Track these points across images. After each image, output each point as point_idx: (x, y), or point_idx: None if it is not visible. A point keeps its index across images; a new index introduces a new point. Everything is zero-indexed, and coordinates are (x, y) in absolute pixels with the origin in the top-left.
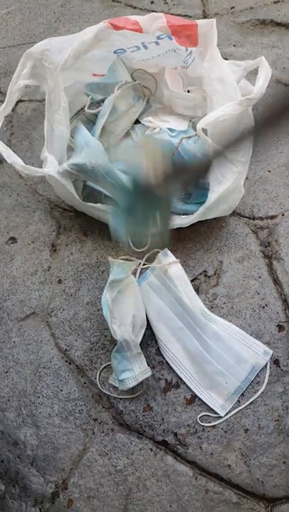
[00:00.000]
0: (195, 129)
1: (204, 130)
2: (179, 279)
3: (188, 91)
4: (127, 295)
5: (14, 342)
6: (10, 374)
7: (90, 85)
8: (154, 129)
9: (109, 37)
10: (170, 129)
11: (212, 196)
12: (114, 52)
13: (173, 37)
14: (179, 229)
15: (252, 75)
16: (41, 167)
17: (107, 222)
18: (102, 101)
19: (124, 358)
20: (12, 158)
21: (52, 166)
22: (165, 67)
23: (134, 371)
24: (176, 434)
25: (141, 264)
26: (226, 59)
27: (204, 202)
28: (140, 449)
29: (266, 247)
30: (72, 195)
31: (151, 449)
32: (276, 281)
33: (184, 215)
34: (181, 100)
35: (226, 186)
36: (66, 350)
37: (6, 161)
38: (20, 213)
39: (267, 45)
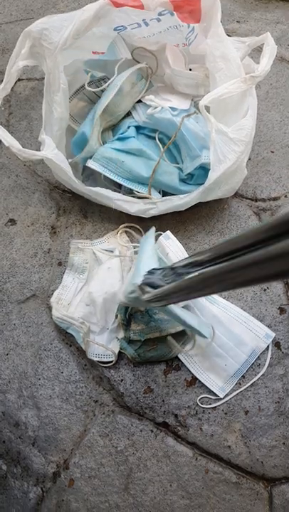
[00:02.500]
0: (197, 108)
1: (207, 107)
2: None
3: (190, 69)
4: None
5: (14, 324)
6: (11, 356)
7: (89, 62)
8: (156, 107)
9: (109, 14)
10: (172, 108)
11: (213, 175)
12: (115, 29)
13: (175, 13)
14: (181, 211)
15: (254, 52)
16: (40, 148)
17: (105, 205)
18: (103, 78)
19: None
20: (9, 140)
21: (50, 149)
22: (166, 44)
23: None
24: (176, 416)
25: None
26: (228, 36)
27: None
28: (141, 431)
29: None
30: (70, 178)
31: (152, 431)
32: None
33: None
34: (182, 78)
35: (227, 165)
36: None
37: None
38: (19, 195)
39: (271, 21)
